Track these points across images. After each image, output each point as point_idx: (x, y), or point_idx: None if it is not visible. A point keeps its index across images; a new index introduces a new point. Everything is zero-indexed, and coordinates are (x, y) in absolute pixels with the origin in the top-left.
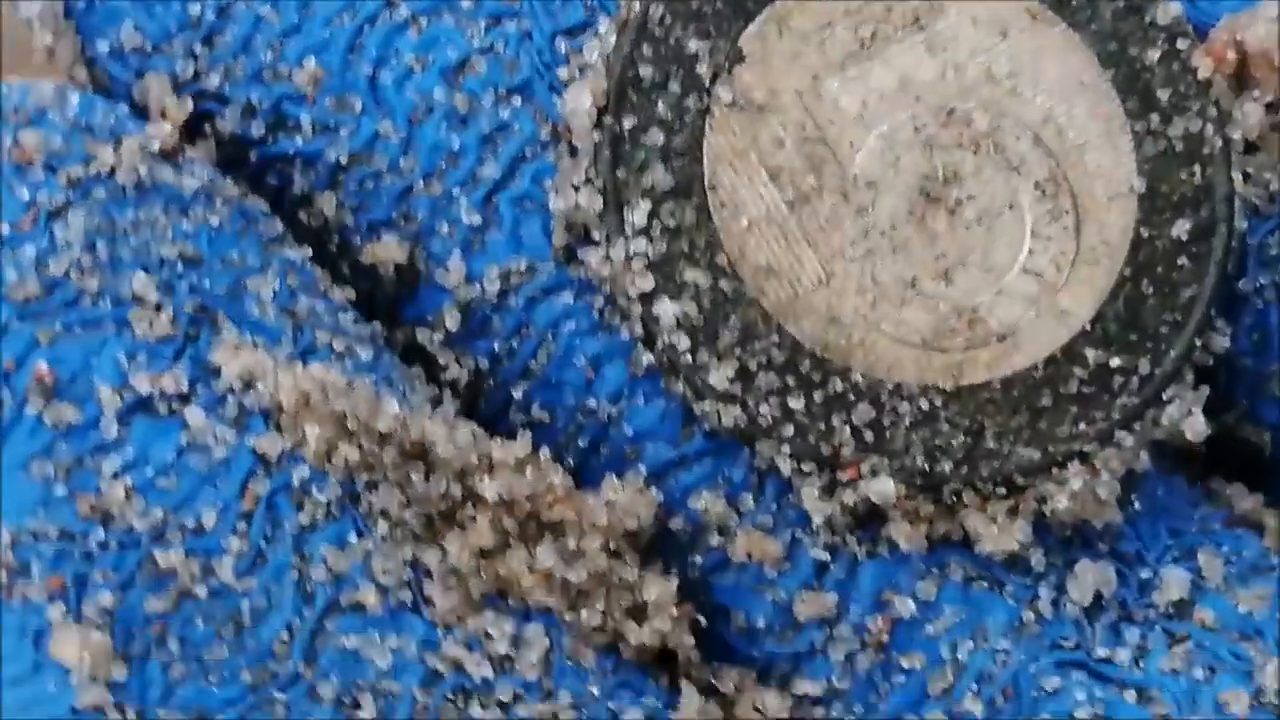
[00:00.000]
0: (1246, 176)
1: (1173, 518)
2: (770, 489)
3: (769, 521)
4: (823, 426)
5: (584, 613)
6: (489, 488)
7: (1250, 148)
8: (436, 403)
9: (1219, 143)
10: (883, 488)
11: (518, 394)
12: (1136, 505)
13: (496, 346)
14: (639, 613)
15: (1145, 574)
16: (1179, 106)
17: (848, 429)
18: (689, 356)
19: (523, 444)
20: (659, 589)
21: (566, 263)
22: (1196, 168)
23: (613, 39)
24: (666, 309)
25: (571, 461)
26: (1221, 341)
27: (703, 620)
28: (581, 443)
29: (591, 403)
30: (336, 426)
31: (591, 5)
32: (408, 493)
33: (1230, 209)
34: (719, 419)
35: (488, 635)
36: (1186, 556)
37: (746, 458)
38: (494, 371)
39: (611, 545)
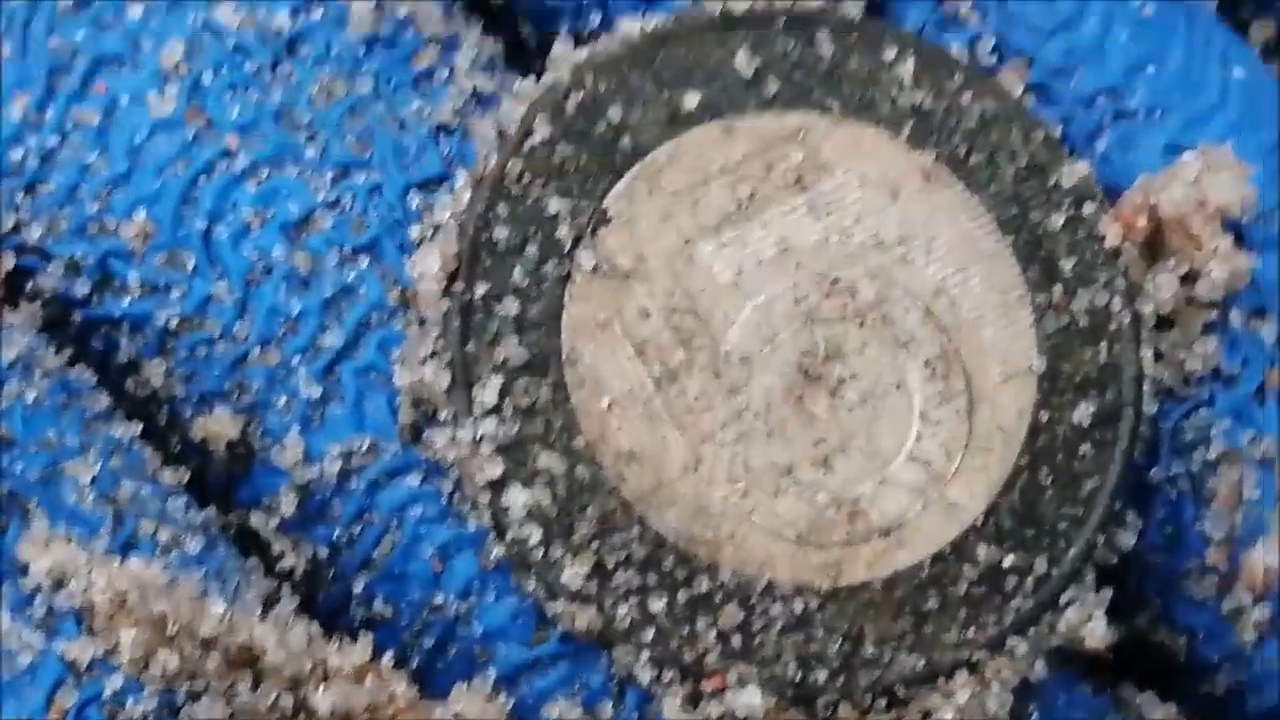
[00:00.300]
0: (1158, 355)
1: None
2: (630, 698)
3: None
4: (686, 630)
5: None
6: (323, 699)
7: (1163, 323)
8: (272, 598)
9: (1128, 318)
10: (750, 700)
11: (359, 587)
12: (1034, 717)
13: (336, 534)
14: None
15: None
16: (1084, 278)
17: (713, 633)
18: (541, 551)
19: (362, 649)
20: None
21: (413, 442)
22: (1102, 346)
23: (467, 196)
24: (517, 498)
25: (416, 663)
26: (1128, 538)
27: None
28: (427, 642)
29: (439, 598)
30: (155, 630)
31: (448, 157)
32: (233, 704)
33: (1139, 392)
34: (573, 620)
35: None
36: None
37: (605, 663)
38: (334, 561)
39: None
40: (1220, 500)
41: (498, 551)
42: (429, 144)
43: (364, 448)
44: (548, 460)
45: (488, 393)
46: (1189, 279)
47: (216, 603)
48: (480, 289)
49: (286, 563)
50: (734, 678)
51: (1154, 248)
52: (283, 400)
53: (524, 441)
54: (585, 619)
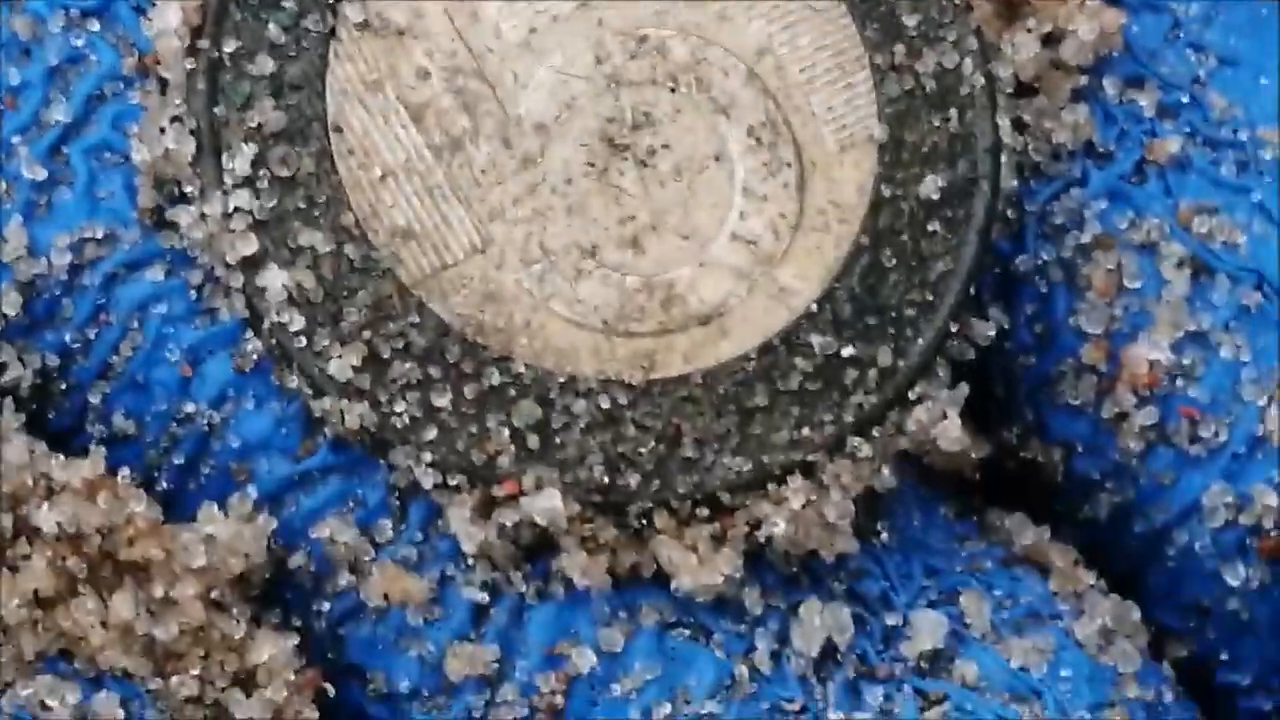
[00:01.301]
0: (1020, 126)
1: (931, 553)
2: (415, 513)
3: (412, 555)
4: (475, 429)
5: (174, 680)
6: (46, 518)
7: (1026, 91)
8: None
9: (981, 82)
10: (549, 505)
11: (96, 399)
12: (883, 536)
13: (68, 338)
14: (248, 679)
15: (892, 620)
16: (931, 36)
17: (506, 432)
18: (304, 340)
19: (94, 461)
20: (272, 648)
21: (156, 229)
22: (952, 112)
23: None
24: (274, 279)
25: (165, 484)
26: (986, 329)
27: (330, 688)
28: (177, 459)
29: (189, 407)
30: None
31: None
32: None
33: (995, 163)
34: (342, 419)
35: (45, 706)
36: (946, 600)
37: (384, 474)
38: (65, 371)
39: (212, 592)
40: (1096, 290)
41: (255, 345)
42: None
43: (98, 237)
44: (310, 237)
45: (239, 161)
46: (1053, 40)
47: None
48: (229, 45)
49: (10, 374)
50: (530, 482)
51: (1012, 6)
52: (1, 185)
53: (283, 217)
54: (357, 416)
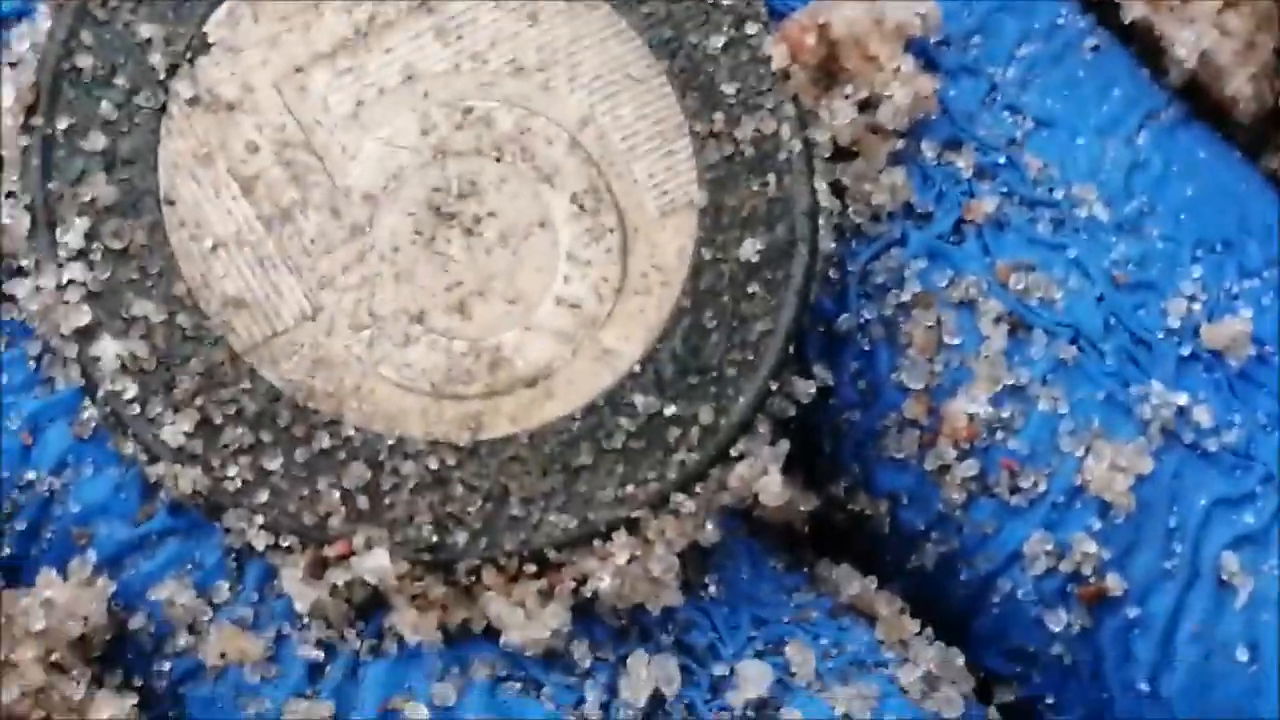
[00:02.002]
0: (839, 189)
1: (759, 605)
2: (251, 574)
3: (249, 615)
4: (306, 491)
5: None
6: None
7: (844, 154)
8: None
9: (798, 147)
10: (378, 563)
11: None
12: (711, 589)
13: None
14: None
15: (719, 670)
16: (749, 104)
17: (337, 494)
18: (137, 407)
19: None
20: (112, 709)
21: None
22: (771, 177)
23: (47, 25)
24: (108, 349)
25: (8, 549)
26: (806, 387)
27: None
28: (19, 525)
29: (30, 474)
30: None
31: None
32: None
33: (813, 226)
34: (176, 483)
35: None
36: (773, 650)
37: (220, 536)
38: None
39: (52, 655)
40: (917, 347)
41: (92, 413)
42: None
43: None
44: (143, 308)
45: (72, 235)
46: (869, 106)
47: None
48: (63, 122)
49: None
50: (361, 541)
51: (830, 74)
52: None
53: (116, 288)
54: (190, 480)
